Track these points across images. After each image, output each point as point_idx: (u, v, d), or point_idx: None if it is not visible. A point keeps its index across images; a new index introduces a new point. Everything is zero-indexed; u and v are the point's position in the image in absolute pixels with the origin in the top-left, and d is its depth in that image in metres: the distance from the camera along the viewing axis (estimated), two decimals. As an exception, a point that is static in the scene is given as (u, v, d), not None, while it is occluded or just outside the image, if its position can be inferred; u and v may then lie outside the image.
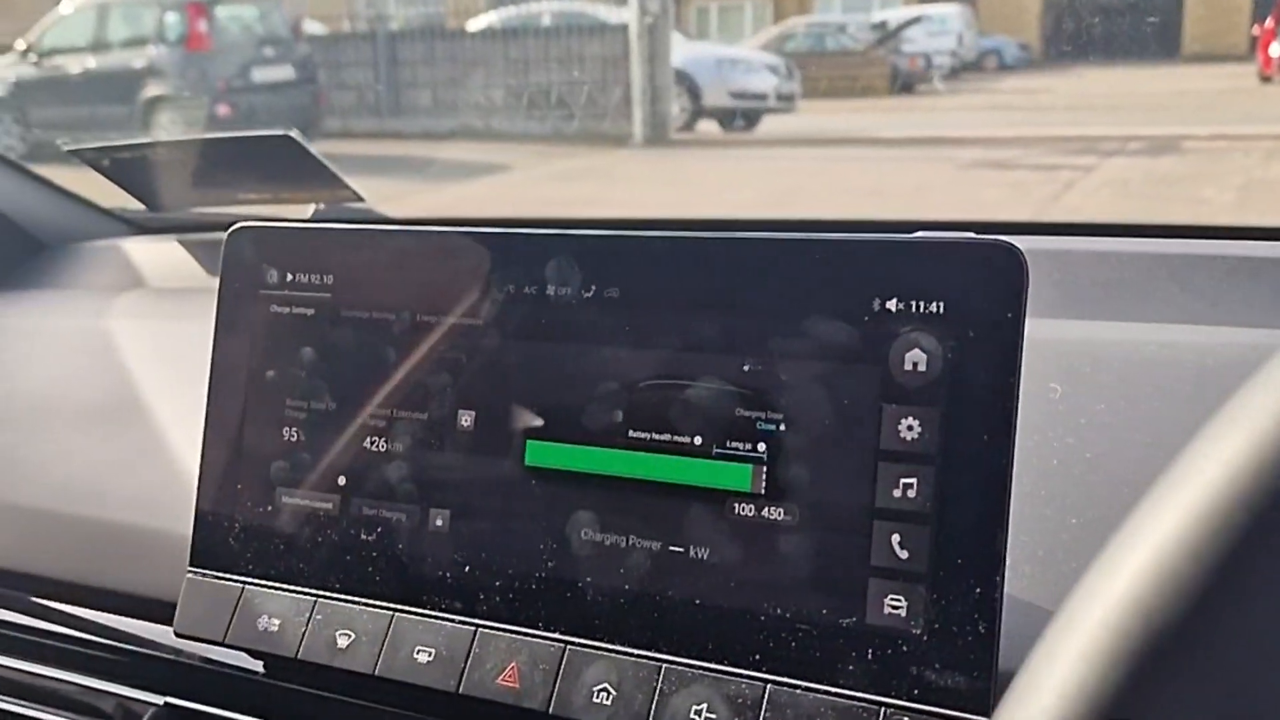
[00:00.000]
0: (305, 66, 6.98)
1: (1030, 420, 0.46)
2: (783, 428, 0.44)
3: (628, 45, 6.54)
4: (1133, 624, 0.22)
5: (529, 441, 0.48)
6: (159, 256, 1.01)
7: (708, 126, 7.23)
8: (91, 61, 6.62)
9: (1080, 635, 0.23)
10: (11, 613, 0.62)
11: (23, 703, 0.60)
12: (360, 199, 1.00)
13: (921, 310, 0.42)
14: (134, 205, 1.08)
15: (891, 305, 0.42)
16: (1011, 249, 0.41)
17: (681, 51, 7.05)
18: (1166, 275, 0.71)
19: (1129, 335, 0.64)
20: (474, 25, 7.72)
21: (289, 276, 0.54)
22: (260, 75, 6.70)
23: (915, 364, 0.42)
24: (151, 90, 6.44)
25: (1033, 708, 0.23)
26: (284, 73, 6.81)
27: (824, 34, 8.43)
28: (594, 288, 0.48)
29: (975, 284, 0.41)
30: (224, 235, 1.05)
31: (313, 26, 7.79)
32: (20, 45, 6.54)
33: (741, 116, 7.09)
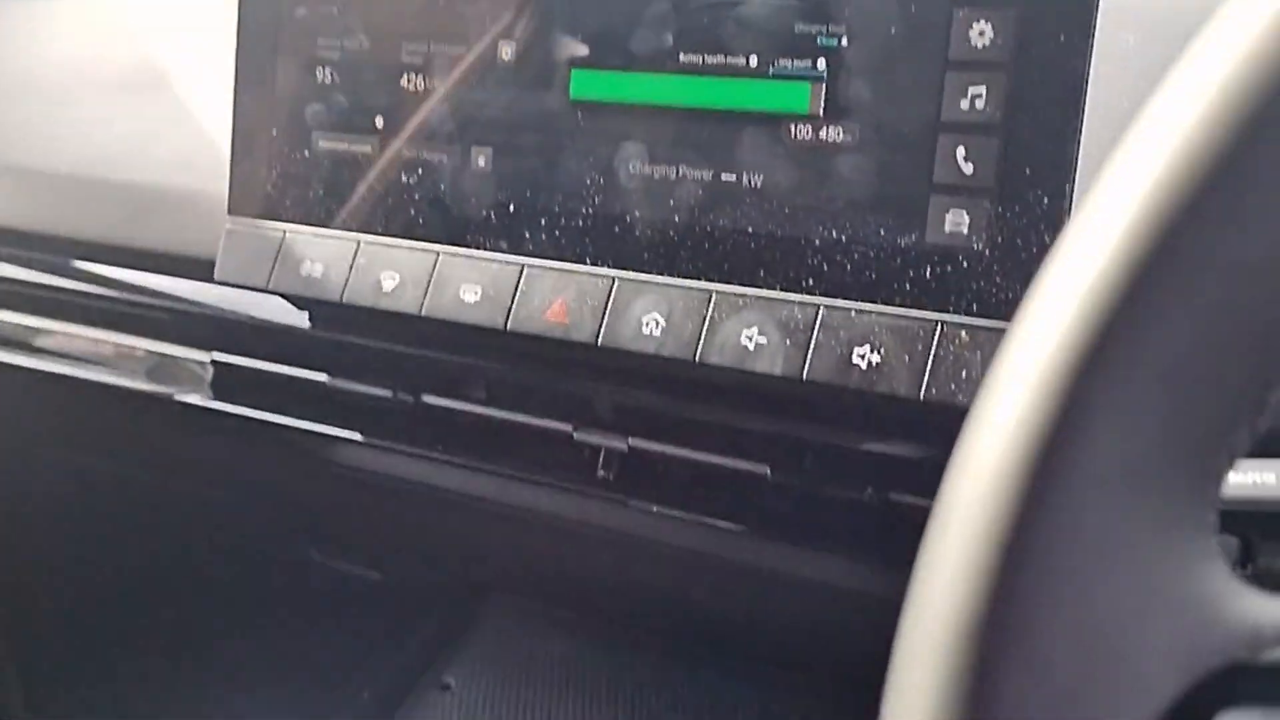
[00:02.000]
0: None
1: (1101, 71, 0.43)
2: (844, 42, 0.41)
3: None
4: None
5: (574, 71, 0.46)
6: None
7: None
8: None
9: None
10: (55, 276, 0.62)
11: (72, 362, 0.61)
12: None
13: (1001, -98, 0.38)
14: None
15: (968, -101, 0.39)
16: None
17: None
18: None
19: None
20: None
21: (314, -94, 0.51)
22: None
23: (991, -37, 0.39)
24: None
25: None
26: None
27: None
28: (642, -99, 0.44)
29: None
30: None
31: None
32: None
33: None
